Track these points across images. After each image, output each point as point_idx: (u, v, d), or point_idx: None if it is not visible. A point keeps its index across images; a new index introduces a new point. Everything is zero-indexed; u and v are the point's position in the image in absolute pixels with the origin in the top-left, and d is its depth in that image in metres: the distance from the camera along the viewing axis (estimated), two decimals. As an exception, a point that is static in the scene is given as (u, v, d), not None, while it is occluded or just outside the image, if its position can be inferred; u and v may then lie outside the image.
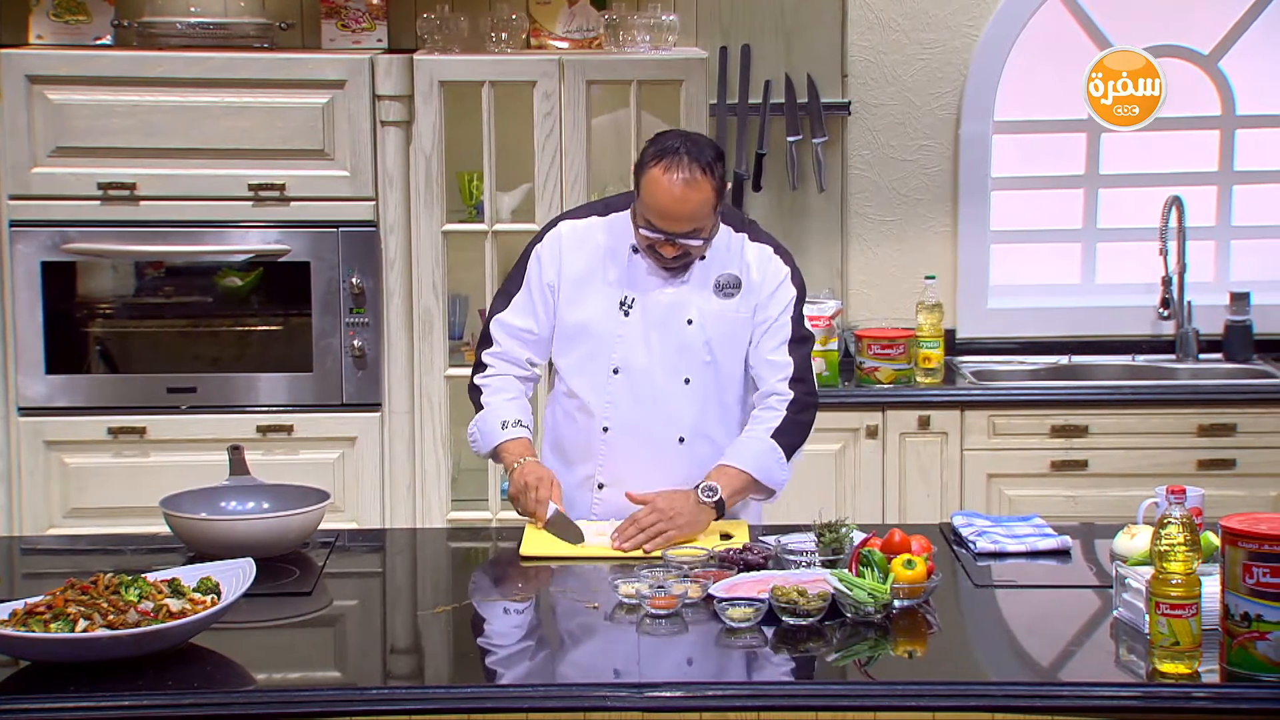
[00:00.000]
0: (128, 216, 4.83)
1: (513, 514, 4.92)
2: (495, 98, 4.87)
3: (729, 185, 3.49)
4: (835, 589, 2.93)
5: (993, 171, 5.46)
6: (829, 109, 5.31)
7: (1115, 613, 2.95)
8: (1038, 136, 5.56)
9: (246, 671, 2.77)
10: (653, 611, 2.95)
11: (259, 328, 5.00)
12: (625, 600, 3.01)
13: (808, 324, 3.64)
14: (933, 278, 5.23)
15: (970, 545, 3.39)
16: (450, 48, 4.99)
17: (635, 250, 3.52)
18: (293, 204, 4.86)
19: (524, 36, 5.09)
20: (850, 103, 5.36)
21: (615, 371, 3.52)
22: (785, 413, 3.52)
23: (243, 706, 2.63)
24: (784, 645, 2.85)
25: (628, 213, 3.52)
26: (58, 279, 4.87)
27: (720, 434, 3.57)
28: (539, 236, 3.62)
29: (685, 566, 3.15)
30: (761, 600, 2.93)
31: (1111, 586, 3.01)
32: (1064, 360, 5.40)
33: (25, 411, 4.86)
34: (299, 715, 2.64)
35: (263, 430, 4.88)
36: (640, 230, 3.43)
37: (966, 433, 4.98)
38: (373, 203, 4.87)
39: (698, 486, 3.42)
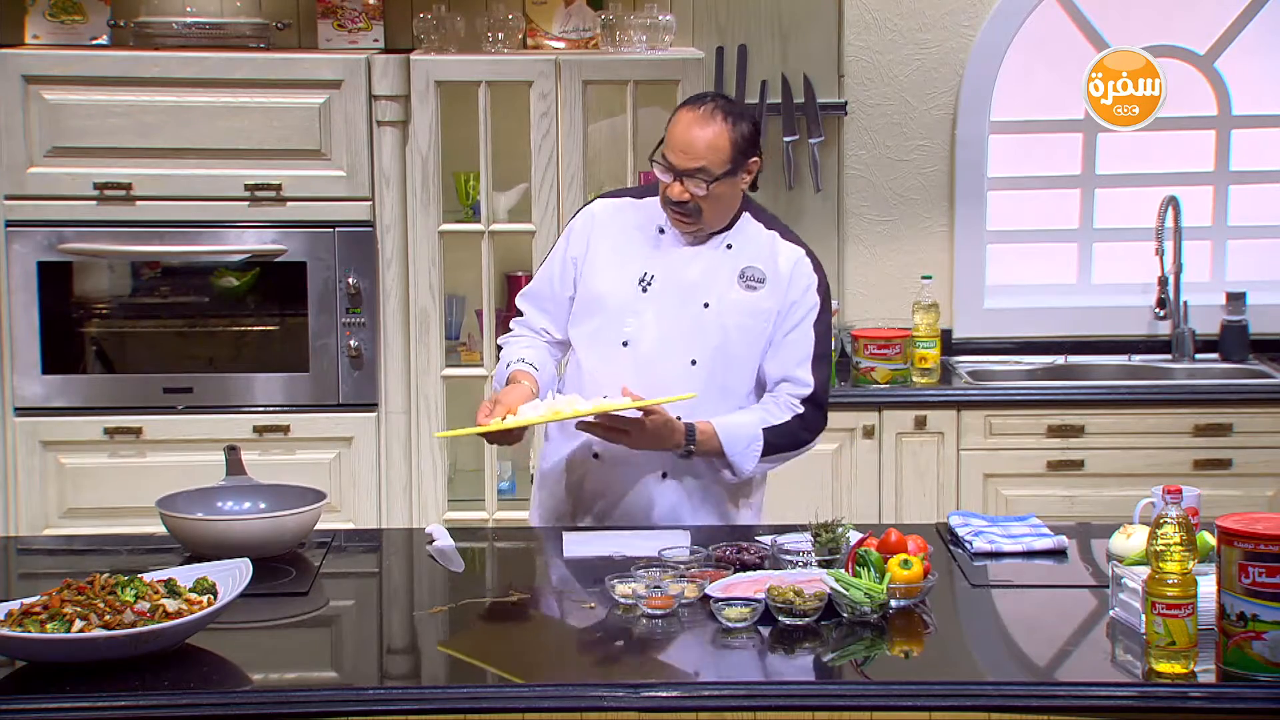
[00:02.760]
0: (124, 216, 4.83)
1: (510, 514, 4.96)
2: (492, 98, 4.87)
3: (757, 162, 3.50)
4: (832, 589, 2.93)
5: (989, 171, 5.46)
6: (825, 109, 5.31)
7: (1111, 612, 2.95)
8: (1034, 136, 5.56)
9: (243, 672, 2.77)
10: (649, 611, 2.95)
11: (255, 328, 5.00)
12: (621, 600, 3.01)
13: (830, 340, 3.66)
14: (929, 278, 5.23)
15: (967, 545, 3.39)
16: (447, 48, 4.99)
17: (662, 230, 3.56)
18: (289, 204, 4.86)
19: (520, 37, 5.09)
20: (846, 103, 5.36)
21: (624, 344, 3.53)
22: (790, 419, 3.54)
23: (239, 707, 2.63)
24: (780, 645, 2.85)
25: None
26: (54, 279, 4.86)
27: None
28: (575, 214, 3.70)
29: (682, 566, 3.15)
30: (758, 600, 2.93)
31: (1108, 586, 3.01)
32: (1060, 360, 5.40)
33: (21, 412, 4.86)
34: (295, 715, 2.64)
35: (259, 430, 4.88)
36: (654, 166, 3.48)
37: (963, 433, 4.98)
38: (369, 203, 4.87)
39: (688, 431, 3.44)
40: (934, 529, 3.52)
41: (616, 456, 3.53)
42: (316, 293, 4.88)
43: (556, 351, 3.68)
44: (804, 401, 3.56)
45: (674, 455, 3.50)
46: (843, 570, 3.00)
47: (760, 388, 3.60)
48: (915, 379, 5.09)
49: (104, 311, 5.01)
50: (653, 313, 3.53)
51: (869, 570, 2.97)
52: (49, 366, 4.86)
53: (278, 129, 4.82)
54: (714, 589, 3.00)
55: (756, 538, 3.36)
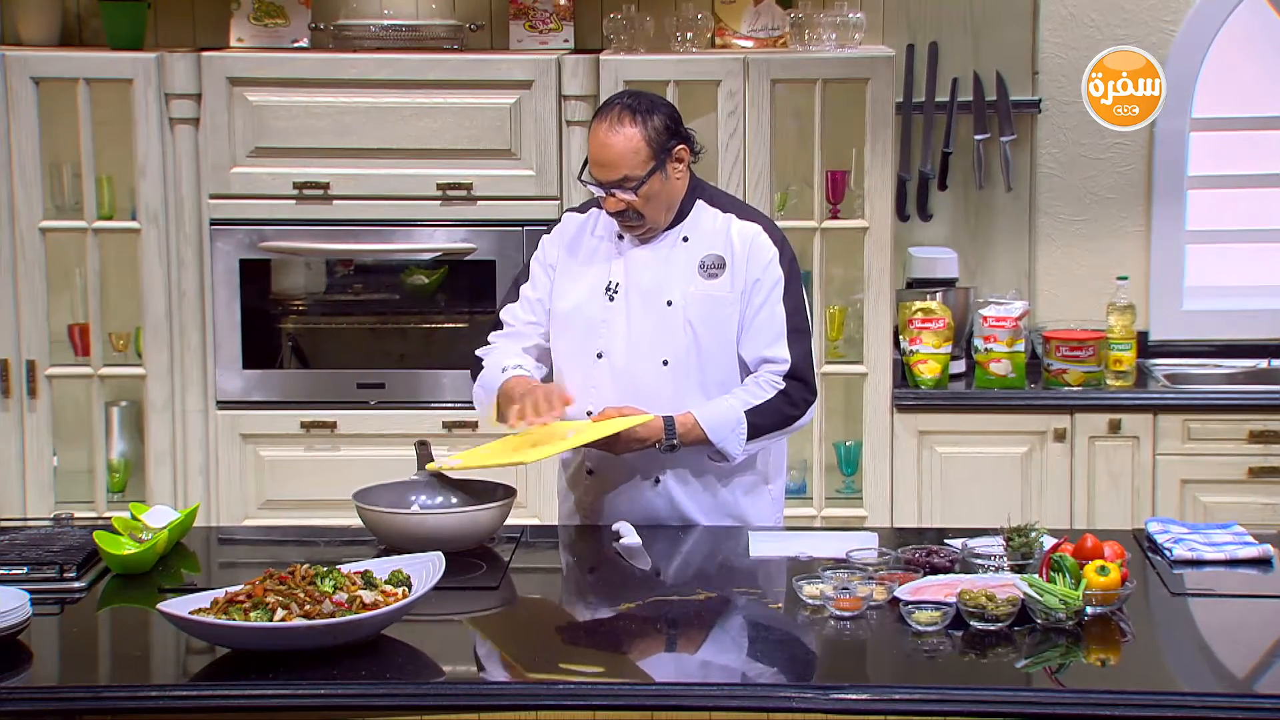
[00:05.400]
0: (321, 215, 4.94)
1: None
2: (680, 97, 4.87)
3: (684, 148, 3.47)
4: (1025, 594, 2.88)
5: (1190, 170, 5.32)
6: (1018, 107, 5.22)
7: (1319, 625, 2.86)
8: (1238, 134, 5.40)
9: (436, 664, 2.82)
10: (837, 613, 2.93)
11: (445, 325, 5.08)
12: (809, 601, 3.00)
13: (808, 313, 3.59)
14: (1125, 278, 5.11)
15: (1166, 552, 3.30)
16: (636, 47, 5.01)
17: (622, 236, 3.56)
18: (479, 203, 4.93)
19: (709, 36, 5.09)
20: (1040, 100, 5.26)
21: (599, 356, 3.55)
22: (772, 396, 3.51)
23: (433, 698, 2.67)
24: (972, 650, 2.81)
25: None
26: (254, 276, 4.99)
27: None
28: (548, 229, 3.71)
29: (870, 568, 3.12)
30: (949, 604, 2.89)
31: (1315, 598, 2.92)
32: (1263, 364, 5.25)
33: (223, 405, 5.00)
34: (488, 708, 2.67)
35: (448, 426, 4.96)
36: (586, 185, 3.51)
37: (1160, 437, 4.86)
38: (557, 202, 4.91)
39: (667, 427, 3.43)
40: (1130, 535, 3.45)
41: (609, 470, 3.56)
42: (505, 291, 4.92)
43: (541, 359, 3.65)
44: (785, 378, 3.51)
45: (663, 456, 3.49)
46: (1037, 575, 2.94)
47: (748, 373, 3.57)
48: (1109, 381, 4.97)
49: (300, 308, 5.13)
50: (621, 320, 3.54)
51: (1064, 576, 2.91)
52: (249, 361, 4.99)
53: (469, 129, 4.89)
54: (903, 592, 2.97)
55: (946, 541, 3.31)
